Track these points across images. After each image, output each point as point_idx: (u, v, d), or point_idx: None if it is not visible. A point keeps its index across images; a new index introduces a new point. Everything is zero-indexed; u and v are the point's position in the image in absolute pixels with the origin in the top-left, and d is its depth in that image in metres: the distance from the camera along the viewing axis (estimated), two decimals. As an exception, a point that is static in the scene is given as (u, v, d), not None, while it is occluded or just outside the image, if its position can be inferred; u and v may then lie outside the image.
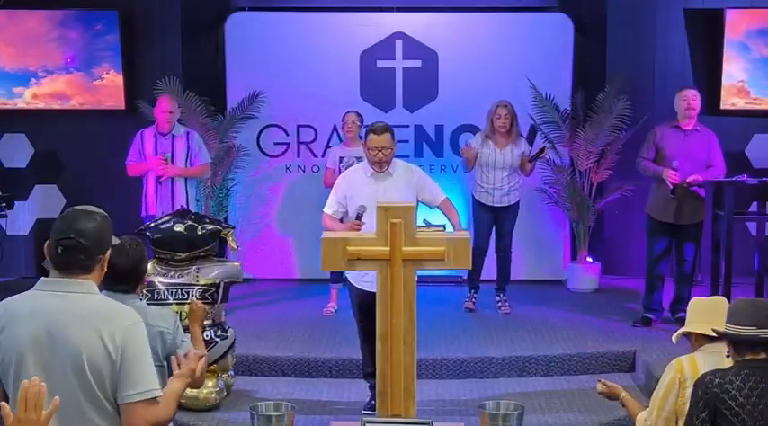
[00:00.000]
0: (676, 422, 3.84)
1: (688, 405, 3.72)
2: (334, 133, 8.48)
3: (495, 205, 7.43)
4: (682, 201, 6.85)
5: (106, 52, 8.45)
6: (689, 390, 3.75)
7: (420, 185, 5.51)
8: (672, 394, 3.82)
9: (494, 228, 7.53)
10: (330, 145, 8.33)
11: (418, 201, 5.46)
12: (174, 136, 7.21)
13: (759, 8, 8.43)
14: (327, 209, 5.53)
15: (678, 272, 7.10)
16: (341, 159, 7.47)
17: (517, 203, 7.54)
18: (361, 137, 7.61)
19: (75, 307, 2.80)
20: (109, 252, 2.94)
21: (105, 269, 2.95)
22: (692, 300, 4.06)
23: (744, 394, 3.15)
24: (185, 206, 7.05)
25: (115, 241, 3.04)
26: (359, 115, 7.59)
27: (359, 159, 7.30)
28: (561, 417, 5.64)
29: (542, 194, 8.43)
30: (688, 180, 6.78)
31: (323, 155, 8.34)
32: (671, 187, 6.77)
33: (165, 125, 7.19)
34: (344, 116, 7.58)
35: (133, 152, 7.26)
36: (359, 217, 5.22)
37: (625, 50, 8.58)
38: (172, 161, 7.14)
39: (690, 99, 6.91)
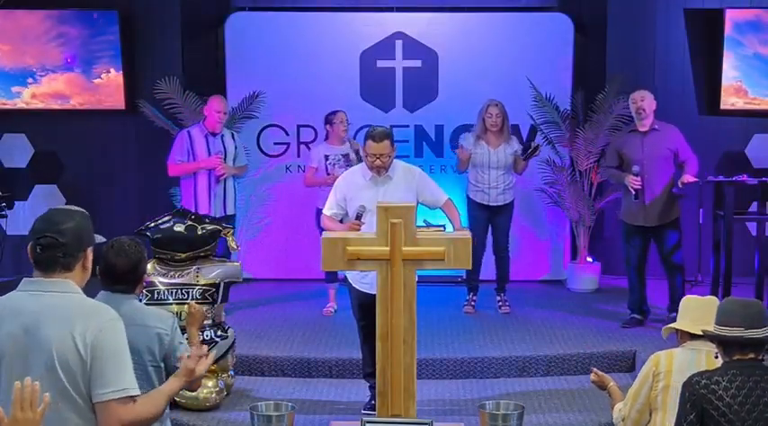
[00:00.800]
0: (650, 415, 3.88)
1: (660, 398, 3.77)
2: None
3: (491, 204, 7.44)
4: (650, 205, 6.85)
5: (106, 52, 8.45)
6: (662, 384, 3.79)
7: (420, 187, 5.49)
8: (645, 386, 3.87)
9: (490, 228, 7.54)
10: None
11: (418, 202, 5.45)
12: (223, 136, 7.27)
13: (759, 8, 8.42)
14: (327, 211, 5.53)
15: (667, 269, 7.08)
16: (326, 157, 7.46)
17: (512, 202, 7.54)
18: (348, 138, 7.64)
19: (49, 307, 2.81)
20: (90, 250, 2.94)
21: (88, 267, 2.95)
22: (684, 297, 4.09)
23: (730, 394, 3.15)
24: (233, 206, 7.32)
25: (98, 239, 3.04)
26: (346, 114, 7.57)
27: (345, 156, 7.33)
28: (561, 417, 5.64)
29: (542, 194, 8.43)
30: (683, 181, 6.77)
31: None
32: (633, 192, 6.78)
33: (217, 125, 7.22)
34: (332, 116, 7.56)
35: (180, 151, 7.23)
36: (359, 217, 5.21)
37: (625, 50, 8.58)
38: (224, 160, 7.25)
39: (638, 101, 6.89)
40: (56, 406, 2.74)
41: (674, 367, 3.78)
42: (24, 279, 2.90)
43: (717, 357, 3.35)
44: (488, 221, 7.49)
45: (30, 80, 8.52)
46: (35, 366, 2.77)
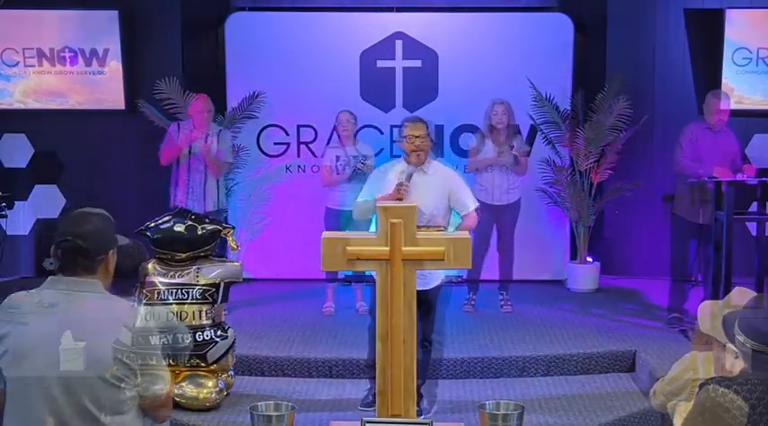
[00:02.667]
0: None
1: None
2: (334, 133, 8.46)
3: (496, 203, 7.44)
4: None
5: (106, 52, 8.45)
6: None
7: (453, 190, 5.51)
8: (680, 381, 3.91)
9: (494, 227, 7.54)
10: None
11: (451, 208, 5.50)
12: (208, 135, 7.25)
13: (759, 8, 8.42)
14: (360, 199, 5.58)
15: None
16: (337, 158, 7.47)
17: (518, 201, 7.55)
18: (356, 137, 7.65)
19: (85, 309, 2.82)
20: (113, 252, 2.95)
21: (111, 270, 2.97)
22: (735, 292, 4.02)
23: (750, 405, 3.05)
24: (215, 203, 7.25)
25: (123, 240, 3.05)
26: (352, 114, 7.56)
27: (355, 158, 7.34)
28: (561, 417, 5.64)
29: (542, 194, 8.43)
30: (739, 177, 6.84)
31: (323, 156, 8.32)
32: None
33: (204, 124, 7.24)
34: (338, 115, 7.56)
35: (169, 141, 7.27)
36: (409, 178, 5.25)
37: (625, 50, 8.58)
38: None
39: (722, 114, 7.00)
40: (85, 407, 2.80)
41: (712, 372, 3.75)
42: (50, 277, 2.91)
43: (737, 357, 3.26)
44: (493, 220, 7.49)
45: (32, 80, 8.52)
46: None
